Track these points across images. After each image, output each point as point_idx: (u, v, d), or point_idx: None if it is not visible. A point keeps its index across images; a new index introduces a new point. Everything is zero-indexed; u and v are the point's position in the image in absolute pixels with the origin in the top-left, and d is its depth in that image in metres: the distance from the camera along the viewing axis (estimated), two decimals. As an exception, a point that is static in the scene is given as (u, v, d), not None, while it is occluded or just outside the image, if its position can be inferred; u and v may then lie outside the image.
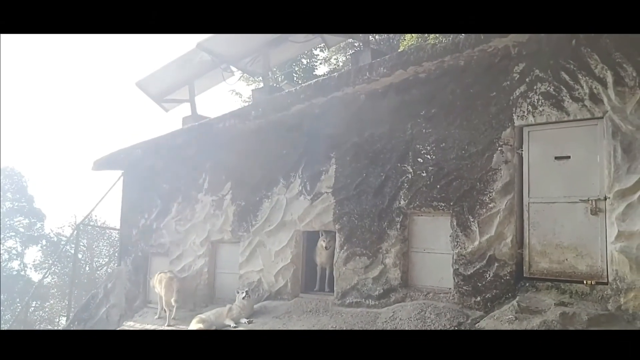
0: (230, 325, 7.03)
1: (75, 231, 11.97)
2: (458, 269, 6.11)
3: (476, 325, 5.57)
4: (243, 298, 7.20)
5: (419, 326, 5.87)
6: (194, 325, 7.10)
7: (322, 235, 7.40)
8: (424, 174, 6.45)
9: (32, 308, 24.32)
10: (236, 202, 8.29)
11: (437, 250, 6.47)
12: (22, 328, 13.39)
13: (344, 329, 6.29)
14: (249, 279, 7.97)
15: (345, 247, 7.06)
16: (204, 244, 8.63)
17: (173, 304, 8.05)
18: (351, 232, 7.02)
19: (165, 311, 8.18)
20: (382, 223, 6.78)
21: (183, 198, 8.96)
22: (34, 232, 32.74)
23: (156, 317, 8.54)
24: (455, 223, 6.18)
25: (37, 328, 21.00)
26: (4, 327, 15.96)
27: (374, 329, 6.15)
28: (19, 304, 24.34)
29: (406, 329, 5.91)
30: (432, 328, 5.78)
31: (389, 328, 6.04)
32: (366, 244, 6.87)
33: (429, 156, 6.44)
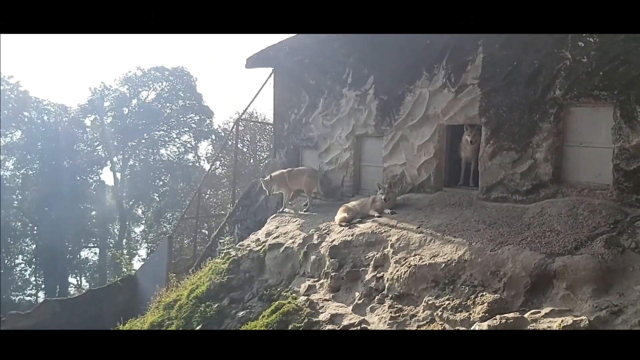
0: (374, 215, 7.30)
1: (235, 126, 12.98)
2: (619, 164, 5.58)
3: (635, 223, 5.15)
4: (383, 199, 7.36)
5: (570, 223, 5.59)
6: (340, 213, 7.51)
7: (466, 129, 7.15)
8: (585, 60, 5.78)
9: (207, 195, 27.50)
10: (379, 96, 8.25)
11: (595, 144, 5.94)
12: (199, 212, 15.31)
13: (488, 222, 6.21)
14: (392, 172, 8.10)
15: (491, 141, 6.77)
16: (349, 138, 8.84)
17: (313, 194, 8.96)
18: (498, 125, 6.68)
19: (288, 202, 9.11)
20: (534, 115, 6.33)
21: (329, 93, 9.14)
22: (204, 127, 36.11)
23: (282, 209, 9.11)
24: (618, 114, 5.56)
25: (211, 213, 23.87)
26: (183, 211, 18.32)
27: (522, 223, 5.99)
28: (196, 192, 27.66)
29: (555, 225, 5.67)
30: (585, 225, 5.47)
31: (536, 224, 5.84)
32: (515, 138, 6.51)
33: (591, 39, 5.71)
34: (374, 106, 8.34)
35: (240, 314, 6.90)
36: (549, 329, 4.44)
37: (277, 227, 8.40)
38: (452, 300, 5.34)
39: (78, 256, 35.76)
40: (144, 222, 36.31)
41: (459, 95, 7.10)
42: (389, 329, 5.45)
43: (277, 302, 6.53)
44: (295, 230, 7.92)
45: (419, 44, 7.50)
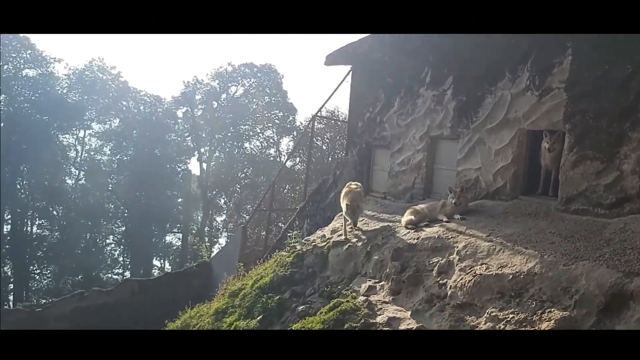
0: (443, 220, 7.06)
1: (311, 123, 13.12)
2: None
3: None
4: (454, 204, 7.11)
5: (655, 241, 5.11)
6: (407, 215, 7.33)
7: (545, 136, 6.73)
8: (686, 64, 5.25)
9: (285, 190, 28.09)
10: (457, 97, 7.96)
11: (692, 158, 5.38)
12: (272, 205, 15.60)
13: (564, 235, 5.81)
14: (466, 176, 7.79)
15: (575, 150, 6.32)
16: (423, 138, 8.61)
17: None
18: (584, 133, 6.22)
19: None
20: (624, 124, 5.83)
21: (405, 92, 8.95)
22: (287, 124, 36.83)
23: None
24: None
25: (287, 207, 24.28)
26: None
27: (601, 239, 5.55)
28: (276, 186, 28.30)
29: (638, 243, 5.19)
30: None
31: (617, 240, 5.38)
32: (600, 147, 6.03)
33: (695, 41, 5.18)
34: (451, 107, 8.06)
35: (300, 308, 6.91)
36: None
37: (343, 225, 8.35)
38: (517, 314, 5.03)
39: (163, 240, 37.70)
40: (225, 212, 37.62)
41: (543, 99, 6.69)
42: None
43: (335, 299, 6.48)
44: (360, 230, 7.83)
45: (502, 44, 7.16)
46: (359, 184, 8.31)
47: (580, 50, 6.25)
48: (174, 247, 38.16)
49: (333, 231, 8.27)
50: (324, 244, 7.95)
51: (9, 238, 31.15)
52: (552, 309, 4.86)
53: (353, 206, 7.58)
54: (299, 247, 8.30)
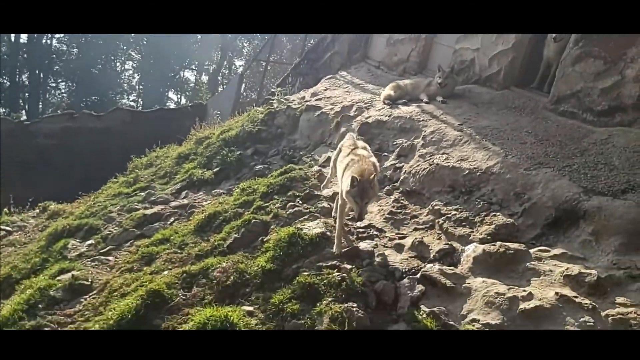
0: (424, 100, 6.51)
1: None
2: None
3: None
4: (439, 84, 6.46)
5: (632, 160, 4.60)
6: (387, 90, 6.78)
7: (554, 22, 5.88)
8: None
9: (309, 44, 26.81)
10: (473, -40, 6.92)
11: None
12: (270, 56, 14.86)
13: (540, 137, 5.29)
14: (462, 56, 7.04)
15: (580, 44, 5.53)
16: (428, 5, 7.69)
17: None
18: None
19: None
20: (641, 22, 4.99)
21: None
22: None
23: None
24: None
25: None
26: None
27: (577, 147, 5.03)
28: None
29: (614, 159, 4.69)
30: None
31: (593, 152, 4.88)
32: (608, 45, 5.26)
33: None
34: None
35: (258, 167, 6.69)
36: (547, 272, 3.82)
37: (325, 89, 7.86)
38: (461, 212, 4.72)
39: (181, 75, 37.29)
40: (244, 57, 36.64)
41: (562, -24, 5.73)
42: (385, 223, 5.00)
43: (289, 165, 6.21)
44: (340, 97, 7.34)
45: None
46: (368, 146, 4.71)
47: None
48: (192, 84, 37.89)
49: (314, 94, 7.79)
50: (299, 106, 7.51)
51: (25, 49, 30.88)
52: (498, 214, 4.54)
53: (363, 185, 3.86)
54: (275, 105, 7.89)
